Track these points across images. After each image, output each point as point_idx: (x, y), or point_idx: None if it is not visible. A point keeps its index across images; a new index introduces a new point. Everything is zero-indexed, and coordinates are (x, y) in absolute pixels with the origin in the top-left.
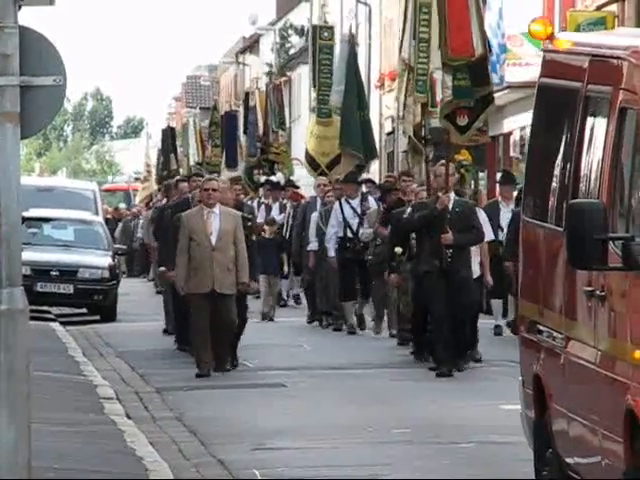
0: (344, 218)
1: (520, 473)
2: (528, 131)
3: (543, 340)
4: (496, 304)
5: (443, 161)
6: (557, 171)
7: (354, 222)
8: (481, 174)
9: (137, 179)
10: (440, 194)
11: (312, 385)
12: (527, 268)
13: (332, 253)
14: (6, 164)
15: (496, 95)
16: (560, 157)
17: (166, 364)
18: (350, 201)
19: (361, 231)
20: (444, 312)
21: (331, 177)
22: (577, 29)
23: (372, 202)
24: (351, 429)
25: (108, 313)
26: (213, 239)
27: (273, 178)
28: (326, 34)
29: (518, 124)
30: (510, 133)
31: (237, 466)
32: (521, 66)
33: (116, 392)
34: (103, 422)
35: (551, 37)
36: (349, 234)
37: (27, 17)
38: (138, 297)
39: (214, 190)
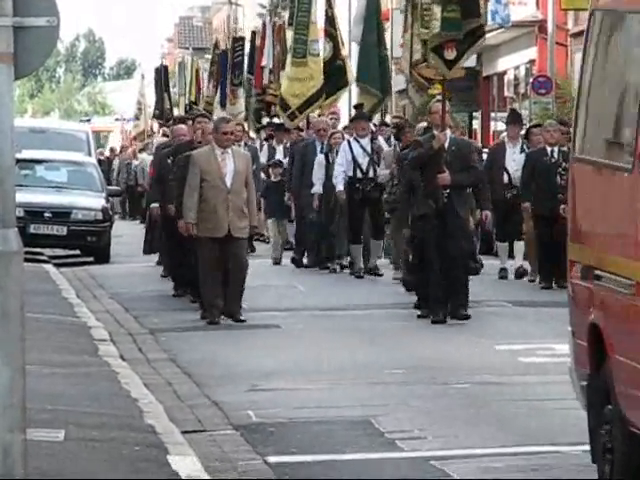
0: (353, 157)
1: (519, 413)
2: (522, 70)
3: (603, 287)
4: (502, 247)
5: (439, 97)
6: (623, 104)
7: (364, 162)
8: (475, 114)
9: (117, 119)
10: (436, 132)
11: (307, 326)
12: (580, 210)
13: (340, 187)
14: None
15: (489, 35)
16: (626, 88)
17: (160, 306)
18: (359, 140)
19: (378, 171)
20: (438, 257)
21: (298, 121)
22: None
23: (382, 142)
24: (346, 370)
25: (101, 255)
26: (228, 181)
27: (276, 119)
28: None
29: (512, 63)
30: (504, 72)
31: (232, 407)
32: (515, 5)
33: (110, 334)
34: (97, 364)
35: None
36: (359, 174)
37: None
38: (131, 239)
39: (232, 133)
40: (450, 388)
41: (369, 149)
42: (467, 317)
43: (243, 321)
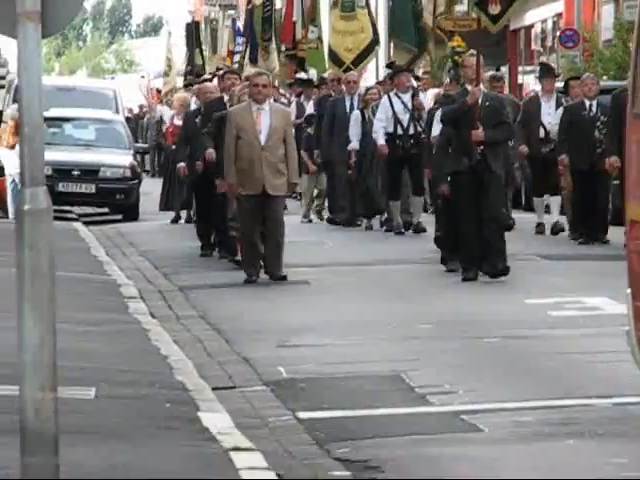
0: (394, 113)
1: (548, 367)
2: (549, 23)
3: None
4: (539, 202)
5: (472, 51)
6: None
7: (405, 118)
8: (503, 68)
9: (143, 77)
10: (470, 87)
11: (336, 282)
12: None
13: (382, 140)
14: (28, 63)
15: None
16: None
17: (189, 263)
18: (400, 95)
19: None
20: (472, 214)
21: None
22: None
23: (424, 98)
24: (375, 325)
25: (130, 212)
26: (262, 138)
27: (303, 75)
28: None
29: (539, 17)
30: (531, 26)
31: (262, 363)
32: None
33: (139, 291)
34: (127, 321)
35: None
36: (399, 130)
37: None
38: (159, 195)
39: (264, 86)
40: (480, 342)
41: (410, 105)
42: (505, 273)
43: (284, 277)
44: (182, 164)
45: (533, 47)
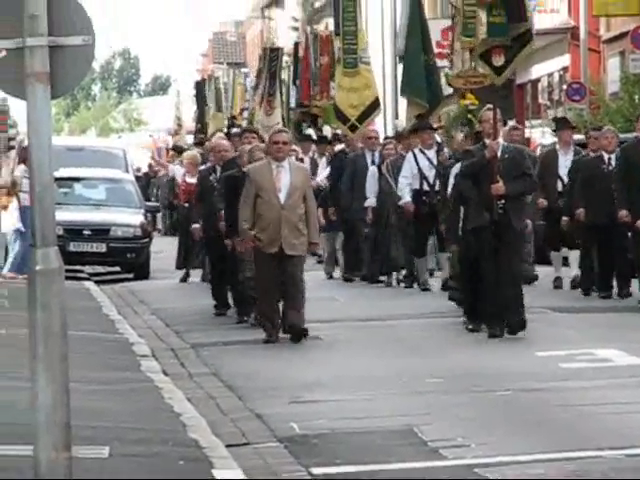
0: (419, 170)
1: (560, 419)
2: (556, 77)
3: None
4: (556, 256)
5: (490, 105)
6: None
7: (430, 174)
8: (510, 122)
9: (150, 136)
10: (488, 140)
11: (347, 337)
12: None
13: (407, 198)
14: (38, 124)
15: None
16: None
17: (200, 320)
18: (425, 151)
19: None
20: (495, 269)
21: (360, 132)
22: None
23: (448, 153)
24: (387, 380)
25: (141, 271)
26: (282, 196)
27: (311, 132)
28: None
29: (546, 70)
30: (538, 80)
31: (275, 420)
32: (547, 13)
33: (152, 349)
34: (140, 379)
35: None
36: (425, 187)
37: None
38: (171, 254)
39: (284, 143)
40: (492, 395)
41: (435, 161)
42: (523, 327)
43: (305, 331)
44: (197, 225)
45: (540, 101)
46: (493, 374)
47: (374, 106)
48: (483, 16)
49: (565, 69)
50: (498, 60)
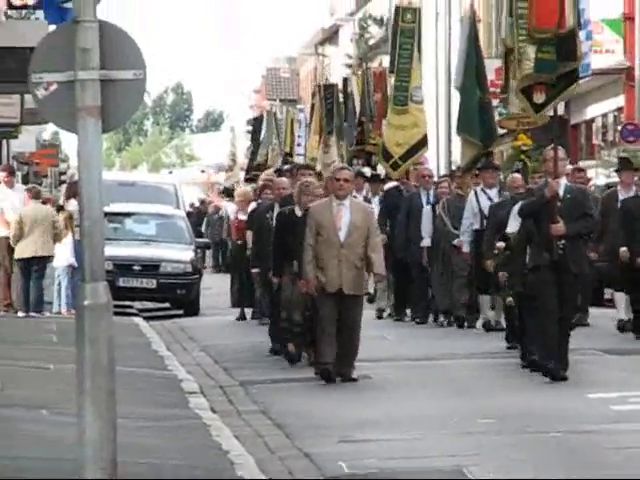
0: (480, 209)
1: (612, 461)
2: (610, 118)
3: None
4: (619, 297)
5: (552, 145)
6: None
7: None
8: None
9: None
10: (549, 179)
11: (397, 376)
12: None
13: (467, 248)
14: (88, 158)
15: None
16: None
17: (250, 358)
18: (487, 191)
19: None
20: (556, 309)
21: (402, 170)
22: None
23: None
24: (437, 420)
25: (191, 307)
26: (342, 235)
27: (366, 170)
28: (409, 16)
29: (600, 111)
30: (592, 120)
31: (324, 459)
32: (601, 53)
33: (200, 386)
34: (188, 416)
35: None
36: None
37: (108, 11)
38: (220, 290)
39: (346, 180)
40: (542, 437)
41: (497, 200)
42: (565, 378)
43: (354, 380)
44: (257, 270)
45: (594, 141)
46: (544, 415)
47: (420, 145)
48: (531, 51)
49: (620, 109)
50: (539, 97)
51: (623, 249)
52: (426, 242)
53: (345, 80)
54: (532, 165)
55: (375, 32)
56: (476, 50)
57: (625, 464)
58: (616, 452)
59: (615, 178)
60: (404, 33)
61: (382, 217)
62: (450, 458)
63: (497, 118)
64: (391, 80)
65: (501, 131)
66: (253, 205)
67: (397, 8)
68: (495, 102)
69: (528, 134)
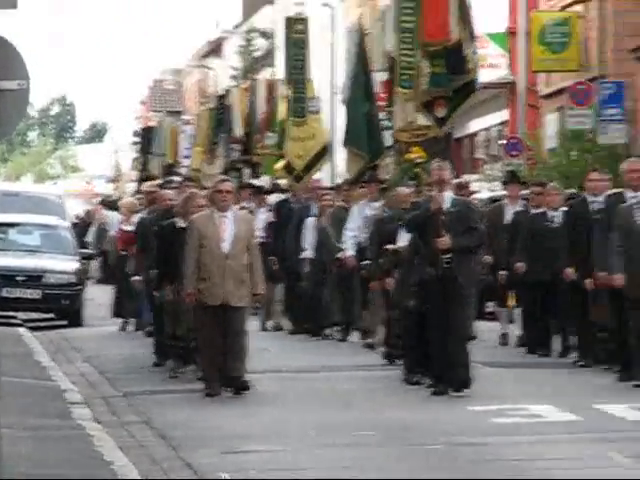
0: (365, 222)
1: (492, 473)
2: (493, 132)
3: None
4: (502, 312)
5: (438, 158)
6: None
7: None
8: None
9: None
10: (433, 193)
11: (279, 388)
12: None
13: (351, 251)
14: None
15: None
16: None
17: (133, 368)
18: (370, 204)
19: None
20: (441, 324)
21: (306, 181)
22: (542, 29)
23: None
24: (318, 431)
25: (75, 318)
26: (226, 246)
27: (254, 181)
28: (300, 27)
29: (483, 125)
30: (475, 134)
31: (206, 469)
32: (486, 68)
33: (84, 397)
34: (71, 427)
35: None
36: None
37: None
38: (104, 301)
39: (228, 192)
40: (423, 449)
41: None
42: (467, 386)
43: (246, 385)
44: (138, 277)
45: (477, 155)
46: (424, 427)
47: (320, 156)
48: (425, 67)
49: (503, 124)
50: (440, 111)
51: (519, 264)
52: (308, 254)
53: (226, 92)
54: (425, 178)
55: (260, 44)
56: (363, 63)
57: (507, 475)
58: (495, 464)
59: (499, 192)
60: (296, 44)
61: (274, 229)
62: (332, 470)
63: (391, 131)
64: (287, 92)
65: (387, 144)
66: (138, 216)
67: (287, 19)
68: (381, 115)
69: (420, 146)
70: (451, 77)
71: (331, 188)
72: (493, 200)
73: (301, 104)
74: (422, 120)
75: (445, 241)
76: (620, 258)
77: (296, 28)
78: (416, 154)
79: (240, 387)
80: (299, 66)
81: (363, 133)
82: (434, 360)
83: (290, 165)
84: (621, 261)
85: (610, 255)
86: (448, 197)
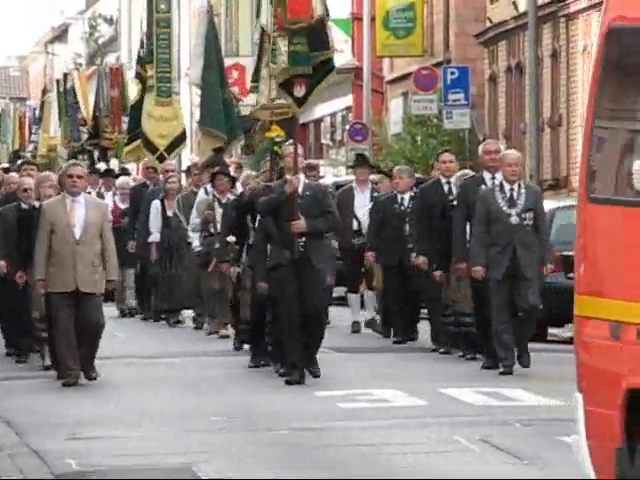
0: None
1: (340, 457)
2: (339, 117)
3: None
4: (353, 298)
5: (292, 140)
6: None
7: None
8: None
9: None
10: (288, 176)
11: (127, 374)
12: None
13: (197, 242)
14: None
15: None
16: None
17: None
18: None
19: (191, 220)
20: (296, 309)
21: (169, 161)
22: (386, 14)
23: (201, 192)
24: (167, 417)
25: None
26: (77, 232)
27: (101, 165)
28: (163, 6)
29: (329, 110)
30: (321, 120)
31: (53, 456)
32: None
33: None
34: None
35: None
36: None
37: None
38: None
39: (79, 177)
40: (271, 434)
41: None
42: (317, 375)
43: (94, 378)
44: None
45: (322, 141)
46: (273, 413)
47: (182, 138)
48: (283, 45)
49: (348, 109)
50: (299, 91)
51: (369, 254)
52: (154, 237)
53: (65, 75)
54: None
55: (105, 31)
56: (215, 44)
57: (351, 461)
58: (341, 449)
59: (343, 177)
60: (159, 23)
61: (130, 213)
62: (179, 455)
63: (250, 110)
64: (150, 71)
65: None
66: None
67: None
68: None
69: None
70: (311, 55)
71: (181, 171)
72: (338, 186)
73: (167, 84)
74: (283, 99)
75: (301, 224)
76: (482, 247)
77: (159, 7)
78: (275, 132)
79: (90, 379)
80: (164, 45)
81: (221, 115)
82: (288, 348)
83: (152, 144)
84: (482, 250)
85: (472, 245)
86: (301, 181)
